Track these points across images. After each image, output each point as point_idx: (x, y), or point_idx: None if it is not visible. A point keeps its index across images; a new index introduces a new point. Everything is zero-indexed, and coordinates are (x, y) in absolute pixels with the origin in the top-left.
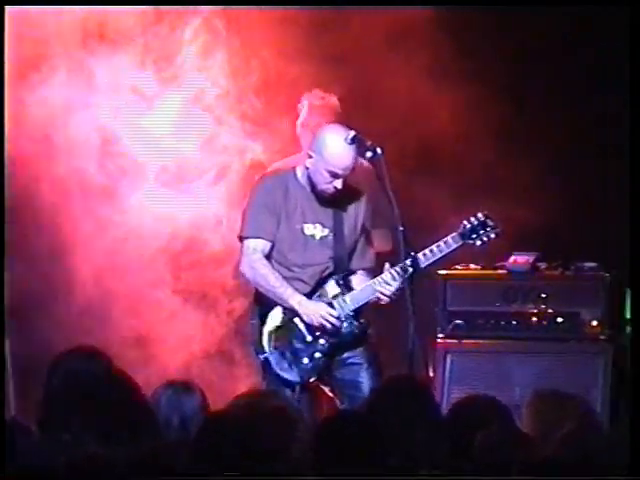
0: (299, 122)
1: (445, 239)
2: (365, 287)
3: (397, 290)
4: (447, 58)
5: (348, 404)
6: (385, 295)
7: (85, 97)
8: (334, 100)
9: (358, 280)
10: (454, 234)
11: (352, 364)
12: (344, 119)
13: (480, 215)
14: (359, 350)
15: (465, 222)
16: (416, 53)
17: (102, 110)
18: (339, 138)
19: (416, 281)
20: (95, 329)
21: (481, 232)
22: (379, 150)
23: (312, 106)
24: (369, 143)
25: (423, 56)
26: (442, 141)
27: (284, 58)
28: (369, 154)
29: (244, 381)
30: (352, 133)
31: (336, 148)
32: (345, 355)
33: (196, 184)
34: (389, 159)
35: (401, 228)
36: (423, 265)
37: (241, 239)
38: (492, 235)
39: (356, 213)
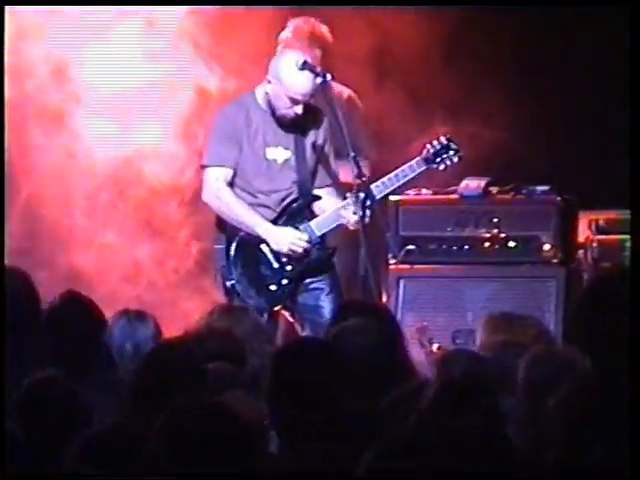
0: (281, 41)
1: (410, 163)
2: (330, 213)
3: (360, 216)
4: None
5: (309, 329)
6: (350, 221)
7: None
8: (322, 27)
9: (323, 206)
10: (417, 158)
11: (314, 289)
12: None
13: (443, 139)
14: (323, 276)
15: (428, 146)
16: None
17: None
18: (298, 63)
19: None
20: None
21: (444, 156)
22: (329, 76)
23: (295, 26)
24: (319, 69)
25: None
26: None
27: None
28: (319, 79)
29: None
30: (302, 59)
31: (295, 74)
32: (308, 280)
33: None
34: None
35: (352, 154)
36: (383, 193)
37: (203, 167)
38: (455, 159)
39: (316, 133)
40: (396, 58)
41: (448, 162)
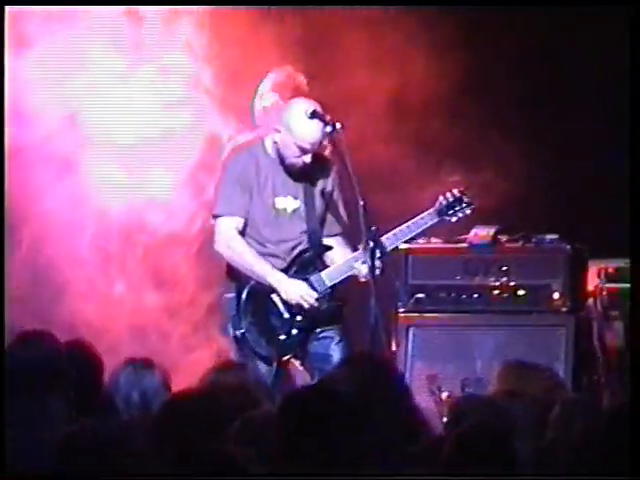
0: (260, 94)
1: (422, 216)
2: (341, 264)
3: (370, 267)
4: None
5: (318, 378)
6: (362, 273)
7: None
8: (300, 77)
9: (334, 256)
10: (430, 210)
11: (324, 338)
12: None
13: (456, 191)
14: (332, 325)
15: (441, 198)
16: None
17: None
18: (308, 113)
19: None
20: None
21: (457, 208)
22: (338, 125)
23: (275, 82)
24: (328, 118)
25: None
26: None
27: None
28: (328, 129)
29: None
30: (311, 108)
31: (304, 123)
32: (318, 330)
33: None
34: (360, 129)
35: (362, 202)
36: (394, 244)
37: (215, 217)
38: (468, 211)
39: (325, 182)
40: (410, 105)
41: (460, 214)
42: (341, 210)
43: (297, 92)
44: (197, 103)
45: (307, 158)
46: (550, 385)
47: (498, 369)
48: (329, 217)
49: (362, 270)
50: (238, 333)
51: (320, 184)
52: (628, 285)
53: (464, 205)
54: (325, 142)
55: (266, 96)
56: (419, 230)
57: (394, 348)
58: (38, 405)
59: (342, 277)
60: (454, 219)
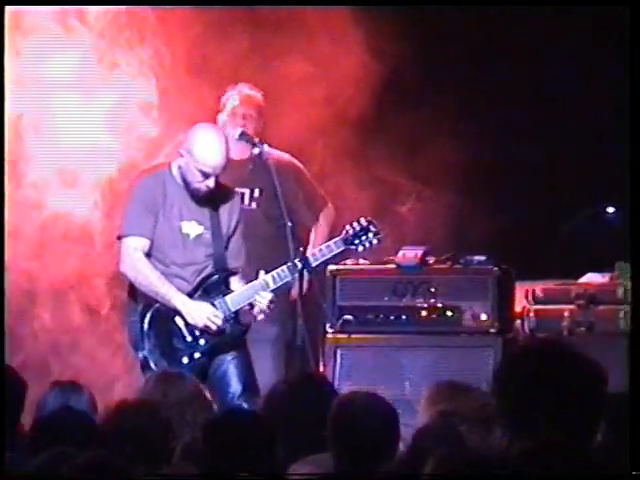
0: (227, 110)
1: (328, 243)
2: (244, 290)
3: (272, 301)
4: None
5: (218, 400)
6: (261, 307)
7: None
8: (259, 96)
9: (238, 281)
10: (337, 239)
11: (226, 361)
12: (267, 116)
13: (363, 221)
14: (235, 349)
15: (348, 227)
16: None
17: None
18: (210, 137)
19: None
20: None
21: (363, 238)
22: (265, 146)
23: (244, 96)
24: (257, 140)
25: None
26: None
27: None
28: (256, 150)
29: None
30: (239, 130)
31: (205, 147)
32: (220, 354)
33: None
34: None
35: (289, 224)
36: (313, 265)
37: (119, 238)
38: (374, 241)
39: (230, 211)
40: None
41: (367, 244)
42: (243, 243)
43: (261, 107)
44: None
45: (210, 183)
46: (480, 404)
47: (428, 390)
48: (231, 248)
49: (261, 302)
50: (140, 355)
51: (225, 211)
52: (554, 306)
53: (370, 235)
54: (249, 163)
55: (238, 111)
56: (325, 258)
57: (321, 369)
58: None
59: (246, 302)
60: (360, 248)
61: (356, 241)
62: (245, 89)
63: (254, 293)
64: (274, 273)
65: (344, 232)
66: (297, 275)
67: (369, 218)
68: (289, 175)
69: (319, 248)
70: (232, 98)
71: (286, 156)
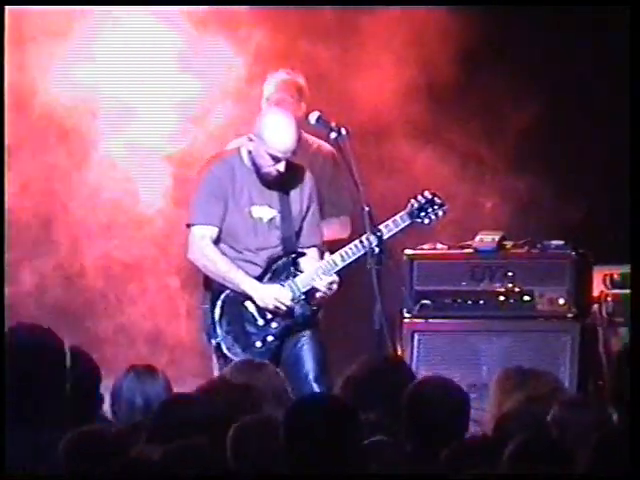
0: (266, 97)
1: (393, 218)
2: (314, 270)
3: (332, 283)
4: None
5: (291, 382)
6: (322, 290)
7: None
8: (301, 79)
9: (308, 262)
10: (402, 213)
11: (299, 342)
12: (310, 99)
13: (427, 193)
14: (306, 331)
15: (412, 201)
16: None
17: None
18: (279, 121)
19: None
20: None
21: (429, 210)
22: (344, 131)
23: (279, 82)
24: (333, 124)
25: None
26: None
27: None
28: (333, 135)
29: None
30: (317, 114)
31: (276, 131)
32: (293, 335)
33: None
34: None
35: (367, 208)
36: (385, 237)
37: (188, 226)
38: (440, 213)
39: (302, 193)
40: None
41: (433, 217)
42: (317, 222)
43: (301, 91)
44: None
45: (280, 167)
46: (550, 389)
47: (496, 375)
48: (305, 228)
49: (321, 283)
50: (214, 342)
51: (297, 193)
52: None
53: (436, 207)
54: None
55: (272, 98)
56: (391, 233)
57: (399, 353)
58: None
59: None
60: (426, 221)
61: (422, 214)
62: (282, 74)
63: (322, 273)
64: (342, 251)
65: (409, 206)
66: (369, 252)
67: (432, 191)
68: (326, 164)
69: (385, 223)
70: (269, 84)
71: (328, 147)
